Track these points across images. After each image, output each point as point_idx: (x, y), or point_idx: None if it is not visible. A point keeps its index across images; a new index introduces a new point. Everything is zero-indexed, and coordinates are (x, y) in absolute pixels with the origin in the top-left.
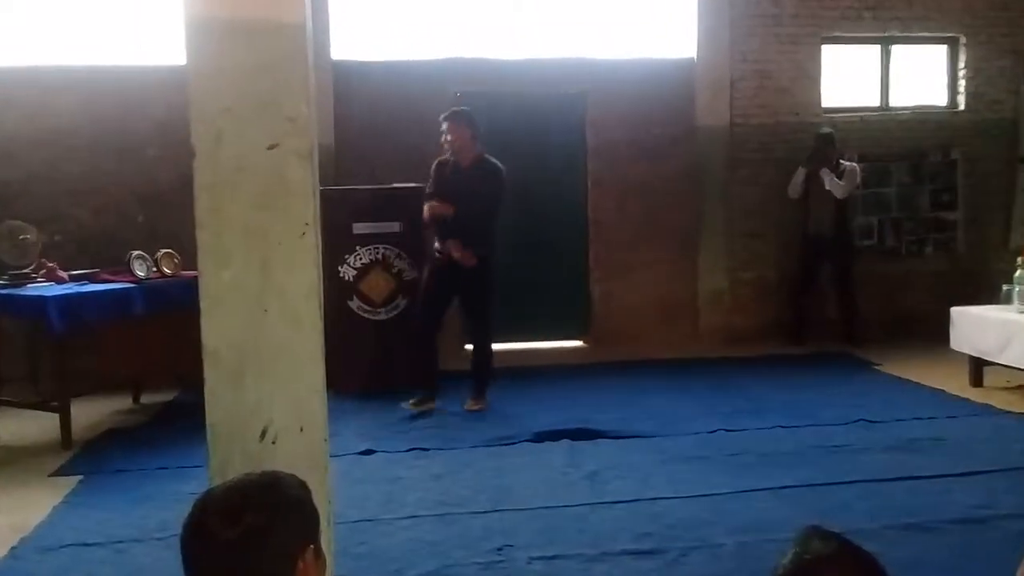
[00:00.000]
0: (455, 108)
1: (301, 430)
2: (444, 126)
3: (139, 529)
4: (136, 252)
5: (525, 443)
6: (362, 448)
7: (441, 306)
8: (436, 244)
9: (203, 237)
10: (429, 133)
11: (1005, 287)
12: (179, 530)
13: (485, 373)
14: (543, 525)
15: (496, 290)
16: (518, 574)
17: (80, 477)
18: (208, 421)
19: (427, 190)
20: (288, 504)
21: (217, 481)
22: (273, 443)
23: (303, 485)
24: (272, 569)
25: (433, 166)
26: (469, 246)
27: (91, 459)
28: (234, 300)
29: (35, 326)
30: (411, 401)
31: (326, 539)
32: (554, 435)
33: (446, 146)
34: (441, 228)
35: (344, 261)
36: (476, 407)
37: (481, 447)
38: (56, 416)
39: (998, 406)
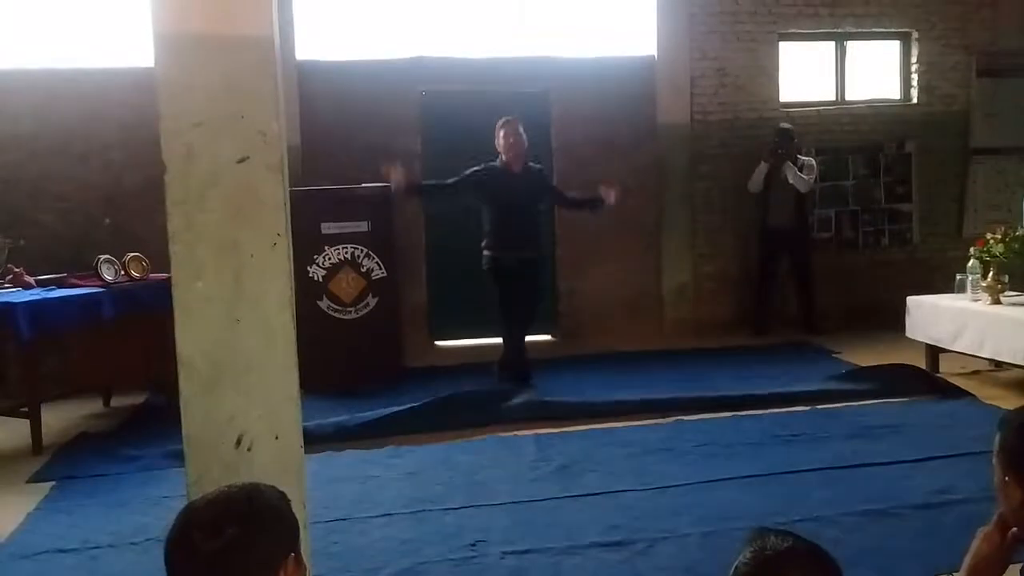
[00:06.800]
0: (510, 117)
1: (276, 438)
2: (504, 131)
3: (114, 535)
4: (104, 256)
5: (496, 438)
6: (335, 447)
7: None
8: (489, 253)
9: (176, 249)
10: (395, 132)
11: (959, 276)
12: (154, 535)
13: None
14: (515, 520)
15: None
16: (491, 569)
17: (53, 483)
18: (184, 431)
19: (459, 179)
20: (268, 515)
21: (195, 490)
22: (249, 451)
23: (282, 496)
24: None
25: (478, 169)
26: (536, 245)
27: (64, 464)
28: (208, 311)
29: (3, 333)
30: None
31: (302, 541)
32: (523, 425)
33: (506, 150)
34: (501, 232)
35: (313, 261)
36: None
37: (454, 443)
38: (26, 421)
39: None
